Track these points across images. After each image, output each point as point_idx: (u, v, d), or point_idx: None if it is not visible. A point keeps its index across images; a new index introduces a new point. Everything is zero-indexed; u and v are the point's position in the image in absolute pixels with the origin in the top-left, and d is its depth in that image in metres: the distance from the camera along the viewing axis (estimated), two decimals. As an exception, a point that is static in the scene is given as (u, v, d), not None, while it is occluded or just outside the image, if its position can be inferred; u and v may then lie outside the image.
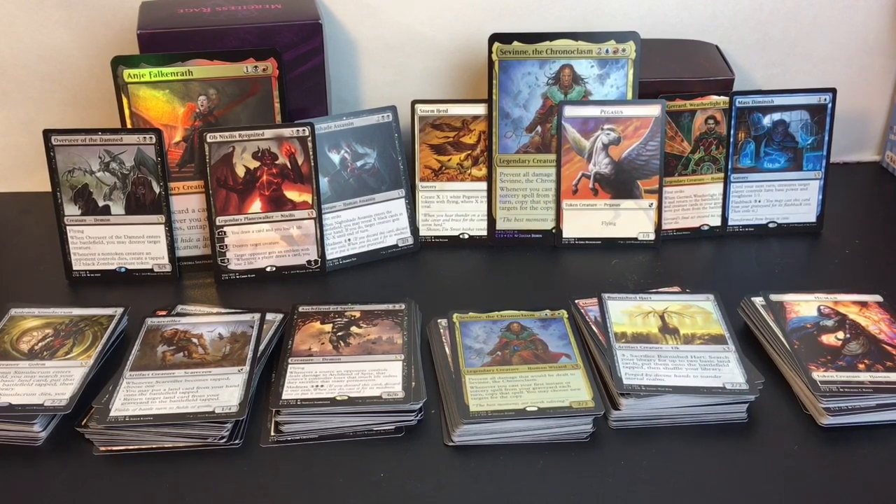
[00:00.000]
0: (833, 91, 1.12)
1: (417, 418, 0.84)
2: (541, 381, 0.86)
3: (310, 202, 1.07)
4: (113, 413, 0.82)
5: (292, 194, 1.06)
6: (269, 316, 0.96)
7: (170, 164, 1.06)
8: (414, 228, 1.13)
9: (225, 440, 0.82)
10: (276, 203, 1.06)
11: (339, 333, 0.93)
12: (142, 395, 0.84)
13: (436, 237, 1.14)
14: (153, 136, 1.04)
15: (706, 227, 1.15)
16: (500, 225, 1.14)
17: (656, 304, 0.95)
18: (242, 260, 1.07)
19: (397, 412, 0.84)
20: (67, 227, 1.06)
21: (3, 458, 0.81)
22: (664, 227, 1.14)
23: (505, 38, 1.09)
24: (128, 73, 1.04)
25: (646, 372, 0.86)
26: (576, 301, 0.97)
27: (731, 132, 1.13)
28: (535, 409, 0.82)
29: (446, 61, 1.24)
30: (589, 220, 1.13)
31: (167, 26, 1.06)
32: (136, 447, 0.82)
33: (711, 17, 1.24)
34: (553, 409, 0.82)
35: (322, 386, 0.85)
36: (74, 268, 1.07)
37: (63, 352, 0.90)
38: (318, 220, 1.07)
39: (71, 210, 1.05)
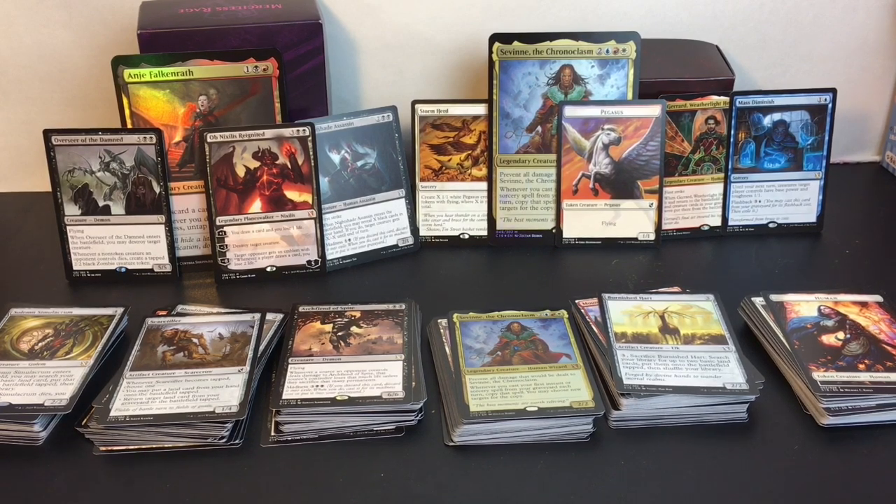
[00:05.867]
0: (833, 91, 1.12)
1: (417, 418, 0.84)
2: (541, 381, 0.86)
3: (310, 202, 1.07)
4: (113, 413, 0.82)
5: (292, 194, 1.06)
6: (269, 316, 0.96)
7: (170, 164, 1.06)
8: (414, 228, 1.13)
9: (225, 440, 0.82)
10: (277, 203, 1.06)
11: (340, 333, 0.93)
12: (142, 395, 0.84)
13: (436, 237, 1.14)
14: (153, 136, 1.04)
15: (706, 227, 1.15)
16: (501, 225, 1.14)
17: (656, 304, 0.95)
18: (242, 260, 1.07)
19: (397, 412, 0.84)
20: (67, 227, 1.06)
21: (3, 458, 0.81)
22: (664, 227, 1.14)
23: (505, 38, 1.09)
24: (128, 73, 1.04)
25: (646, 372, 0.86)
26: (576, 301, 0.97)
27: (732, 132, 1.13)
28: (536, 409, 0.82)
29: (446, 61, 1.24)
30: (589, 220, 1.13)
31: (167, 26, 1.06)
32: (136, 447, 0.82)
33: (711, 17, 1.24)
34: (553, 409, 0.82)
35: (322, 386, 0.85)
36: (74, 268, 1.07)
37: (63, 352, 0.90)
38: (319, 220, 1.07)
39: (71, 210, 1.05)
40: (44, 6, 1.16)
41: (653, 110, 1.10)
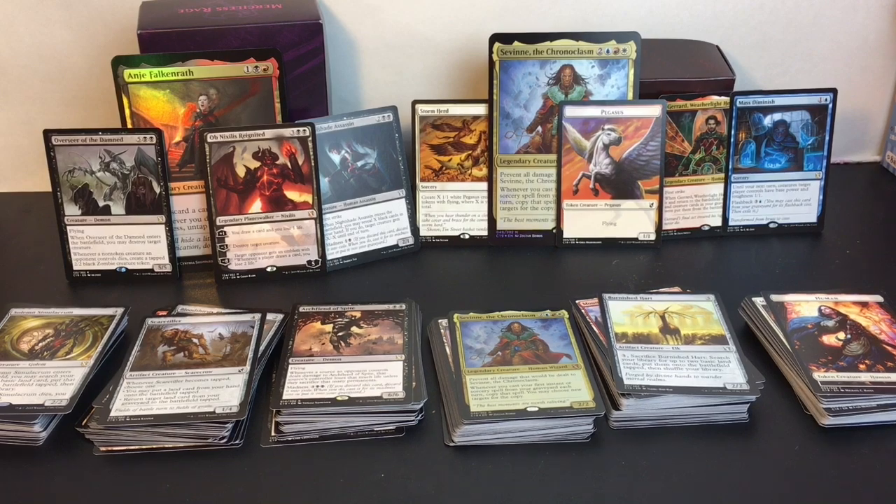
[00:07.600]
0: (833, 91, 1.12)
1: (418, 418, 0.84)
2: (541, 381, 0.86)
3: (310, 202, 1.07)
4: (113, 413, 0.82)
5: (293, 194, 1.06)
6: (269, 316, 0.96)
7: (170, 164, 1.06)
8: (414, 228, 1.13)
9: (225, 440, 0.82)
10: (277, 203, 1.06)
11: (340, 333, 0.93)
12: (142, 396, 0.84)
13: (436, 237, 1.14)
14: (153, 136, 1.04)
15: (707, 228, 1.15)
16: (501, 225, 1.14)
17: (657, 304, 0.95)
18: (243, 260, 1.07)
19: (398, 412, 0.84)
20: (68, 227, 1.06)
21: (3, 458, 0.81)
22: (665, 227, 1.14)
23: (505, 38, 1.09)
24: (128, 73, 1.04)
25: (646, 372, 0.86)
26: (576, 301, 0.97)
27: (732, 132, 1.13)
28: (536, 409, 0.82)
29: (446, 61, 1.24)
30: (589, 220, 1.13)
31: (167, 26, 1.06)
32: (136, 447, 0.82)
33: (712, 17, 1.24)
34: (554, 409, 0.82)
35: (323, 386, 0.85)
36: (75, 268, 1.07)
37: (63, 352, 0.90)
38: (319, 220, 1.07)
39: (71, 210, 1.05)
40: (44, 6, 1.16)
41: (653, 110, 1.10)
